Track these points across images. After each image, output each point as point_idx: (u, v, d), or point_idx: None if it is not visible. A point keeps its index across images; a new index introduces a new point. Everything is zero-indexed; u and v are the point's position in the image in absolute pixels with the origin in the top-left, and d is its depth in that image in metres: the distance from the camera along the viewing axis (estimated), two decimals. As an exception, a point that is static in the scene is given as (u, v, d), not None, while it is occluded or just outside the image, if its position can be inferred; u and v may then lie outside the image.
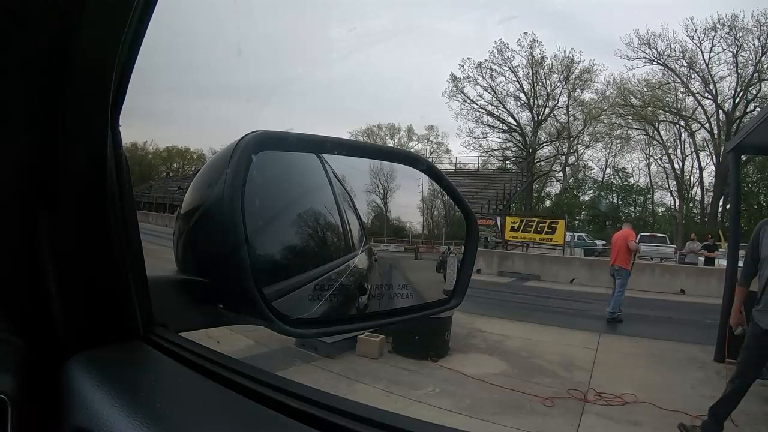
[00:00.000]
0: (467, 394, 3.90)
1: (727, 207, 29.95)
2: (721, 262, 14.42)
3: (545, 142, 34.99)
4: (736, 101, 29.90)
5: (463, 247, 0.77)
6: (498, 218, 21.22)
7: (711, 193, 31.61)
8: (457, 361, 4.71)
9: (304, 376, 3.64)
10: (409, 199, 0.76)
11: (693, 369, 4.84)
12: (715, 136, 30.78)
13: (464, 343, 5.39)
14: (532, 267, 14.44)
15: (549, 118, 34.67)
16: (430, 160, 0.85)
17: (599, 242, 23.00)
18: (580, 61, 33.07)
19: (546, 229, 18.65)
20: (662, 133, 33.12)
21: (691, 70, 30.65)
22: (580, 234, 25.07)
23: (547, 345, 5.59)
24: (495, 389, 3.96)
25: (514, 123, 35.25)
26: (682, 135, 32.73)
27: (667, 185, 33.76)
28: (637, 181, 34.50)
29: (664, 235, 23.05)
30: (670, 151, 32.99)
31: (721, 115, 30.62)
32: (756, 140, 5.20)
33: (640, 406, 3.68)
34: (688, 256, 16.58)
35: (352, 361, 4.49)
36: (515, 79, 34.48)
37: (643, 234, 22.32)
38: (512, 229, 19.37)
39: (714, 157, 31.14)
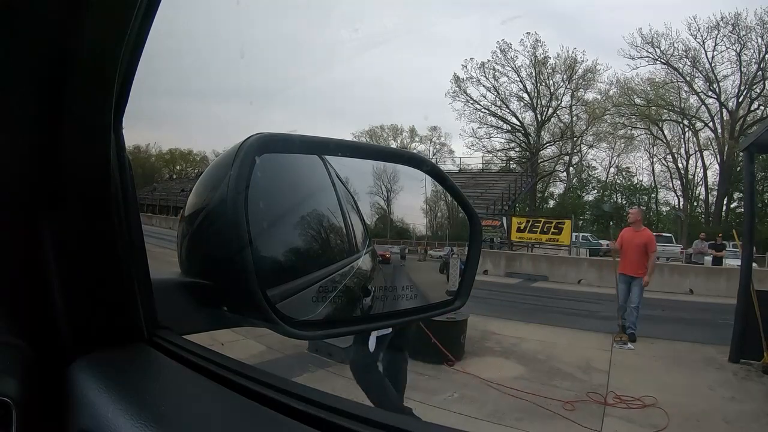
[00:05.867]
0: (487, 399, 3.85)
1: (732, 206, 29.86)
2: (729, 262, 14.36)
3: (549, 142, 34.94)
4: (740, 100, 29.77)
5: (467, 249, 0.76)
6: (504, 219, 21.17)
7: (715, 192, 31.45)
8: (473, 365, 4.66)
9: (320, 383, 3.56)
10: (413, 201, 0.76)
11: (710, 370, 4.80)
12: (719, 135, 30.62)
13: (479, 346, 5.34)
14: (540, 268, 14.41)
15: (552, 118, 34.65)
16: (433, 161, 0.85)
17: (604, 242, 22.97)
18: (583, 61, 33.03)
19: (552, 230, 18.60)
20: (666, 132, 33.03)
21: (694, 69, 30.56)
22: (585, 234, 24.98)
23: (562, 347, 5.56)
24: (515, 394, 3.93)
25: (518, 123, 35.23)
26: (686, 134, 32.62)
27: (671, 185, 33.65)
28: (641, 181, 34.41)
29: (670, 235, 22.94)
30: (673, 150, 32.88)
31: (724, 114, 30.48)
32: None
33: (659, 409, 3.65)
34: (696, 256, 16.50)
35: None
36: (518, 79, 34.47)
37: None
38: (518, 230, 19.33)
39: (718, 155, 30.98)
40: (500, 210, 24.11)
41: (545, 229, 18.80)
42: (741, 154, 6.66)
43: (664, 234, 22.64)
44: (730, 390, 4.15)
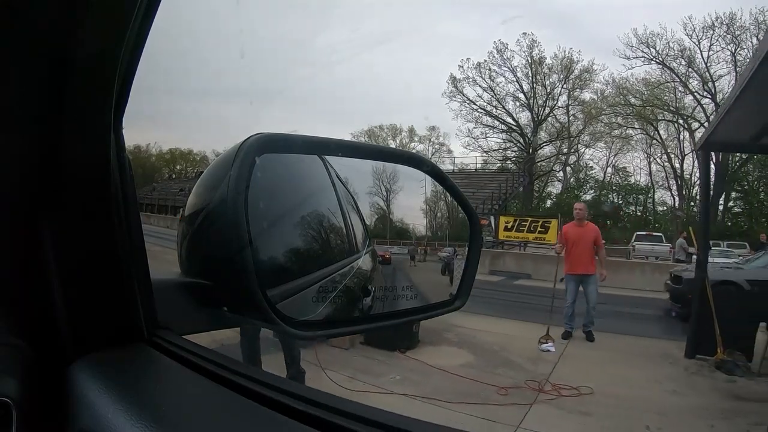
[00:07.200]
0: (428, 382, 4.02)
1: (729, 205, 29.99)
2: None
3: (545, 142, 35.00)
4: (736, 100, 29.81)
5: (467, 249, 0.77)
6: (492, 218, 21.24)
7: (711, 192, 31.51)
8: (425, 353, 4.82)
9: (274, 363, 3.61)
10: (412, 201, 0.76)
11: (663, 365, 4.82)
12: (716, 135, 30.63)
13: (438, 337, 5.44)
14: (524, 266, 14.43)
15: (549, 118, 34.70)
16: (432, 160, 0.85)
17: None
18: (579, 61, 33.08)
19: (539, 228, 18.62)
20: (661, 132, 33.12)
21: (689, 69, 30.65)
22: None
23: (520, 340, 5.59)
24: (456, 379, 4.09)
25: (514, 123, 35.27)
26: (681, 134, 32.71)
27: (667, 184, 33.75)
28: (638, 181, 34.51)
29: (660, 234, 22.99)
30: (669, 150, 32.98)
31: (721, 114, 30.52)
32: (722, 137, 5.26)
33: (594, 398, 3.74)
34: (678, 254, 16.56)
35: (323, 351, 4.49)
36: (515, 79, 34.50)
37: (639, 233, 22.28)
38: (506, 228, 19.41)
39: (714, 155, 31.04)
40: (490, 209, 24.19)
41: (532, 228, 18.85)
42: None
43: (654, 234, 22.70)
44: (675, 384, 4.18)
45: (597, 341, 5.59)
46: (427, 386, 3.88)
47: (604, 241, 6.04)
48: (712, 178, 30.53)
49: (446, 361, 4.53)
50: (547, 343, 5.31)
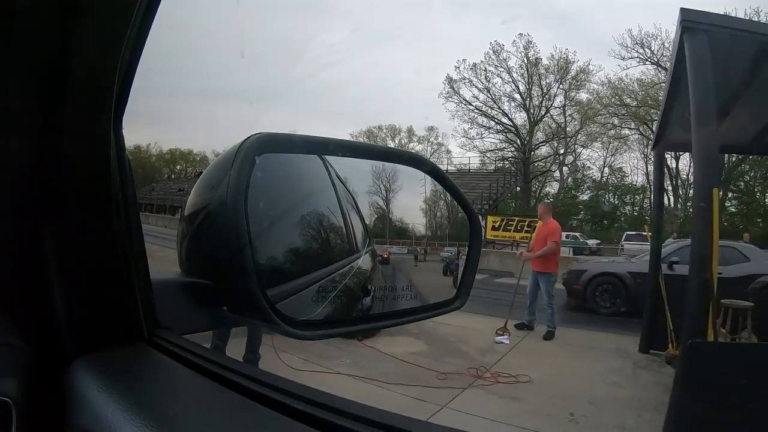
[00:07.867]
0: (375, 366, 4.16)
1: (726, 205, 30.03)
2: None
3: (542, 142, 35.03)
4: (732, 100, 29.90)
5: (466, 249, 0.77)
6: (480, 218, 21.39)
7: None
8: (381, 342, 4.93)
9: (236, 347, 3.71)
10: (412, 201, 0.76)
11: (614, 358, 4.83)
12: (712, 136, 30.65)
13: (399, 328, 5.45)
14: (508, 264, 14.46)
15: (545, 119, 34.71)
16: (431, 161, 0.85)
17: (591, 242, 23.24)
18: (575, 61, 33.10)
19: (525, 228, 18.71)
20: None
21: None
22: (574, 233, 25.05)
23: (480, 333, 5.63)
24: (403, 365, 4.28)
25: (510, 124, 35.27)
26: (678, 134, 32.66)
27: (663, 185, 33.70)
28: (635, 181, 34.57)
29: (648, 233, 23.06)
30: (665, 150, 32.96)
31: (717, 115, 30.55)
32: (672, 138, 5.27)
33: (530, 386, 3.82)
34: None
35: (286, 338, 4.56)
36: (511, 80, 34.49)
37: (628, 233, 22.43)
38: (493, 228, 19.51)
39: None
40: (479, 209, 24.31)
41: (519, 227, 18.99)
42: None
43: (643, 233, 22.85)
44: (618, 377, 4.18)
45: (559, 335, 5.56)
46: (373, 369, 4.02)
47: (560, 239, 6.03)
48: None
49: (400, 350, 4.66)
50: (502, 335, 5.39)
